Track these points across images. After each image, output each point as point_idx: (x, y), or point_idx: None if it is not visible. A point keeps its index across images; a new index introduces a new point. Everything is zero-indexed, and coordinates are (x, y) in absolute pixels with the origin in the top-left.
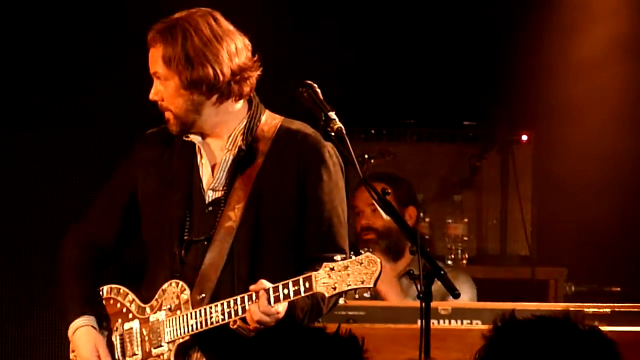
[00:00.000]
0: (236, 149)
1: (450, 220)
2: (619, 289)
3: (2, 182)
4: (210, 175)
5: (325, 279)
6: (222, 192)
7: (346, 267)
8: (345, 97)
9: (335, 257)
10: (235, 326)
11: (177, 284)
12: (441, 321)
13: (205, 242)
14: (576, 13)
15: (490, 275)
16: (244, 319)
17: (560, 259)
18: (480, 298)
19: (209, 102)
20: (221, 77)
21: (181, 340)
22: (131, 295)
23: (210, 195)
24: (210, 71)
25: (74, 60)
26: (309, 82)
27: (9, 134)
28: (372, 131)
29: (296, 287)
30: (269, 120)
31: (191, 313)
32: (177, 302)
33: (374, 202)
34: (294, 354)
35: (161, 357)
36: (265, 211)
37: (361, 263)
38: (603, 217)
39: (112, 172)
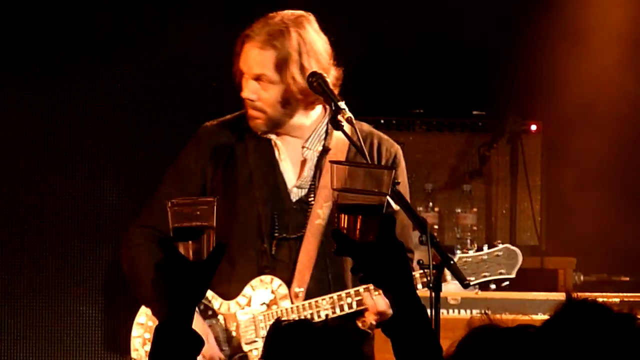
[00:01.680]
0: (319, 148)
1: (459, 210)
2: (627, 278)
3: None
4: (294, 173)
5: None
6: (309, 190)
7: (483, 259)
8: (354, 86)
9: (463, 251)
10: (366, 326)
11: (272, 280)
12: (450, 311)
13: (296, 239)
14: (584, 1)
15: None
16: (356, 315)
17: (569, 248)
18: (489, 288)
19: (303, 106)
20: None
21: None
22: (209, 293)
23: (296, 193)
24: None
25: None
26: (319, 71)
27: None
28: (382, 121)
29: (424, 279)
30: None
31: (292, 308)
32: (272, 297)
33: None
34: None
35: (256, 352)
36: None
37: (496, 254)
38: (612, 206)
39: (163, 163)
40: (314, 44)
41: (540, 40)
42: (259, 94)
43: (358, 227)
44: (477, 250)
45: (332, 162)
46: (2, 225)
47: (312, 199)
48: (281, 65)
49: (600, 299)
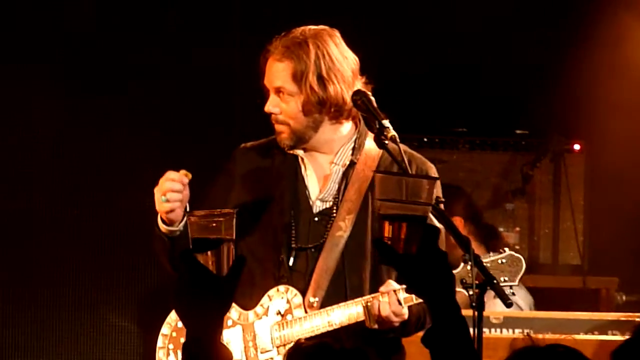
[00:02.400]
0: (345, 163)
1: (502, 229)
2: None
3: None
4: (318, 186)
5: (466, 277)
6: (332, 202)
7: (487, 265)
8: (398, 105)
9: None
10: (374, 326)
11: (287, 289)
12: (493, 330)
13: (314, 250)
14: (628, 19)
15: (541, 284)
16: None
17: (612, 268)
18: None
19: (328, 120)
20: (347, 98)
21: (292, 344)
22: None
23: (318, 206)
24: (339, 92)
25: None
26: (362, 89)
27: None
28: (425, 139)
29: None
30: (372, 140)
31: (306, 317)
32: (287, 306)
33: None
34: None
35: None
36: (374, 223)
37: (502, 262)
38: None
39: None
40: (333, 56)
41: (583, 59)
42: (280, 106)
43: (401, 237)
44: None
45: (377, 172)
46: (41, 238)
47: (335, 211)
48: (299, 76)
49: None
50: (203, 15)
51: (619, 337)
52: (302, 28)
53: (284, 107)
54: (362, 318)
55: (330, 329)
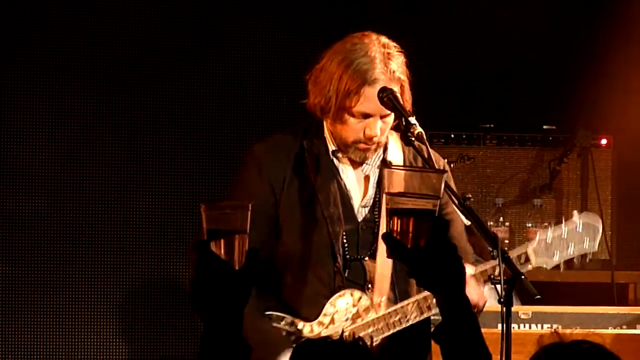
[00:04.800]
0: (378, 163)
1: (530, 225)
2: None
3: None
4: (359, 192)
5: (542, 251)
6: (372, 206)
7: (560, 236)
8: (424, 101)
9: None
10: None
11: (352, 294)
12: (522, 325)
13: (366, 259)
14: None
15: (570, 279)
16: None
17: None
18: (560, 302)
19: None
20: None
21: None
22: (289, 318)
23: (361, 212)
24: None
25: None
26: (389, 86)
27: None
28: (452, 135)
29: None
30: (390, 137)
31: (379, 317)
32: (354, 310)
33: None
34: None
35: None
36: None
37: (575, 229)
38: None
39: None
40: (406, 70)
41: (610, 53)
42: (384, 129)
43: (410, 230)
44: (554, 228)
45: (384, 167)
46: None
47: (377, 215)
48: (402, 95)
49: None
50: None
51: None
52: (385, 42)
53: (384, 127)
54: (435, 310)
55: (404, 326)
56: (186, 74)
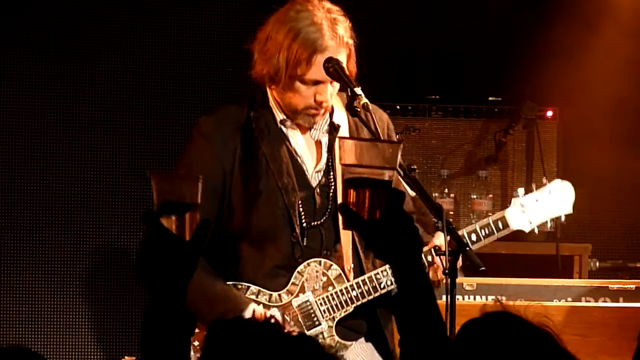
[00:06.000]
0: (325, 128)
1: (475, 196)
2: None
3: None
4: (312, 158)
5: (519, 215)
6: (325, 171)
7: (537, 200)
8: (369, 72)
9: (517, 193)
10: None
11: (320, 262)
12: (466, 297)
13: (323, 225)
14: None
15: (514, 250)
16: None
17: (585, 235)
18: (504, 274)
19: None
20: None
21: (343, 314)
22: (254, 287)
23: (315, 178)
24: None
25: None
26: (337, 54)
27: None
28: (397, 107)
29: (488, 231)
30: (339, 99)
31: (351, 285)
32: (324, 279)
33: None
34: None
35: (320, 336)
36: None
37: (550, 191)
38: (629, 193)
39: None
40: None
41: (556, 25)
42: (333, 94)
43: (366, 202)
44: (530, 194)
45: (340, 137)
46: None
47: (332, 180)
48: (348, 60)
49: (615, 286)
50: None
51: (592, 304)
52: (331, 8)
53: (333, 92)
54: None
55: (378, 294)
56: (130, 46)
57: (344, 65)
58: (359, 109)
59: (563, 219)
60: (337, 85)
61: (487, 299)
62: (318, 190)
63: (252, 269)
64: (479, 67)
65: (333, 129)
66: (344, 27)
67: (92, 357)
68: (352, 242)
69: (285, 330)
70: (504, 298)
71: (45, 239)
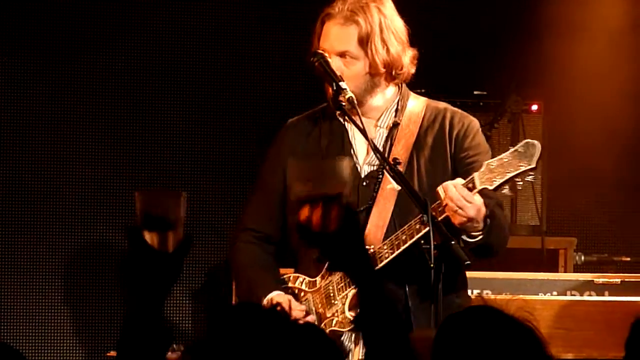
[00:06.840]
0: (389, 125)
1: None
2: (629, 258)
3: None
4: (364, 150)
5: (486, 175)
6: (378, 165)
7: (503, 160)
8: None
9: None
10: (440, 217)
11: None
12: None
13: (365, 213)
14: None
15: None
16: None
17: (570, 228)
18: (490, 268)
19: (383, 84)
20: (404, 61)
21: (354, 291)
22: (301, 277)
23: (365, 170)
24: (400, 54)
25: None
26: (320, 51)
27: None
28: None
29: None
30: (415, 100)
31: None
32: None
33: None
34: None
35: (336, 313)
36: (422, 180)
37: (517, 151)
38: (613, 187)
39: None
40: (392, 19)
41: (541, 20)
42: (342, 70)
43: (319, 217)
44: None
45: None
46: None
47: (381, 174)
48: (364, 40)
49: (601, 280)
50: None
51: (577, 297)
52: None
53: (346, 71)
54: (427, 228)
55: (397, 252)
56: (123, 46)
57: (339, 59)
58: (344, 103)
59: (531, 177)
60: (357, 64)
61: (472, 293)
62: (365, 182)
63: (303, 258)
64: (464, 61)
65: (394, 125)
66: (359, 5)
67: (75, 352)
68: (387, 228)
69: (296, 318)
70: (489, 292)
71: (26, 235)
